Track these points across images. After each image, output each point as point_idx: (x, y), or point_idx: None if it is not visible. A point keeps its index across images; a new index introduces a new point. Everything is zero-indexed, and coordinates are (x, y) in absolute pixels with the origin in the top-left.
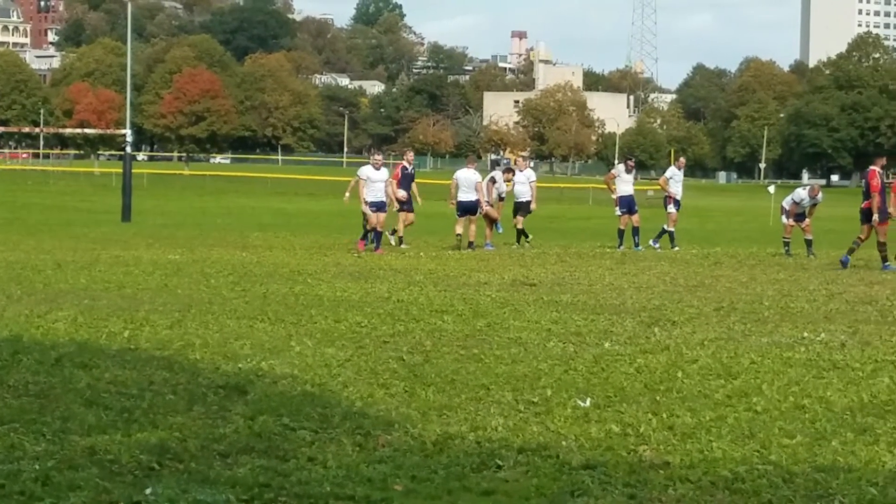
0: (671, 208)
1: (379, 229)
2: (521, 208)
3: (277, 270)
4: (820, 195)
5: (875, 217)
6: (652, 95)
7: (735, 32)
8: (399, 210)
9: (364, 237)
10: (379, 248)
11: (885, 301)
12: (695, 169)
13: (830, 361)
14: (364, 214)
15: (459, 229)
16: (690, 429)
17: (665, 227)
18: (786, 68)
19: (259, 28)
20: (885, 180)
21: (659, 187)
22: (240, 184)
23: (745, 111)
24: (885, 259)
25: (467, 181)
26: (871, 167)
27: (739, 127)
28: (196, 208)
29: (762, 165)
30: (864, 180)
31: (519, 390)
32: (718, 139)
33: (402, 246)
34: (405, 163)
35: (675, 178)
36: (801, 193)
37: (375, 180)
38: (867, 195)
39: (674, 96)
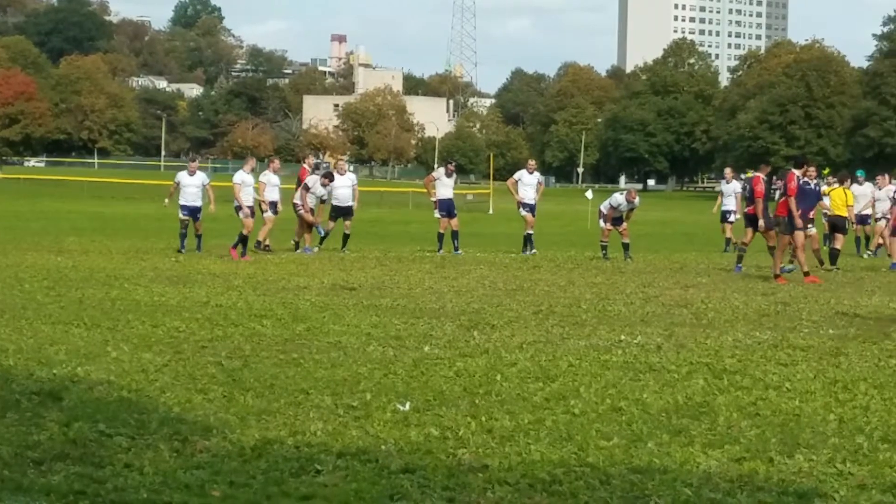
0: (523, 212)
1: (245, 233)
2: (343, 213)
3: (93, 275)
4: (637, 200)
5: (761, 223)
6: (471, 100)
7: (554, 38)
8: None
9: (235, 245)
10: (246, 254)
11: (700, 304)
12: (513, 173)
13: (647, 364)
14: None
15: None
16: (509, 432)
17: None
18: (603, 73)
19: (75, 30)
20: (772, 187)
21: (480, 191)
22: (55, 187)
23: (564, 116)
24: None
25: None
26: (756, 174)
27: (558, 131)
28: (9, 212)
29: (580, 170)
30: (748, 186)
31: (338, 394)
32: (537, 144)
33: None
34: (306, 166)
35: (523, 181)
36: (619, 198)
37: (188, 185)
38: (751, 201)
39: (493, 101)
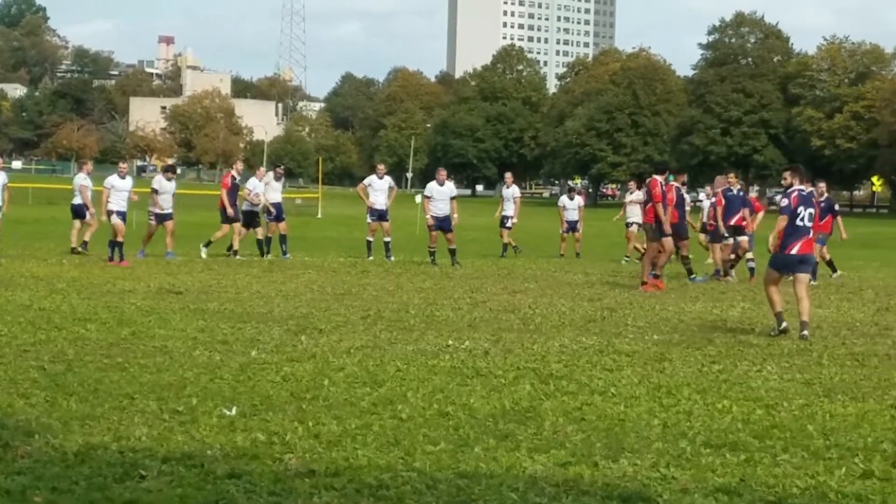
0: (370, 219)
1: (120, 239)
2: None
3: None
4: None
5: (666, 229)
6: (301, 104)
7: (383, 42)
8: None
9: (112, 250)
10: (123, 259)
11: (527, 309)
12: (343, 177)
13: (474, 369)
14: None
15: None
16: (336, 437)
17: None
18: (433, 79)
19: None
20: (684, 195)
21: (308, 195)
22: None
23: (393, 121)
24: (690, 272)
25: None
26: (672, 183)
27: (387, 136)
28: None
29: (409, 175)
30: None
31: (164, 399)
32: (366, 148)
33: (237, 257)
34: (234, 172)
35: (373, 186)
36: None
37: (121, 189)
38: (679, 207)
39: (323, 105)
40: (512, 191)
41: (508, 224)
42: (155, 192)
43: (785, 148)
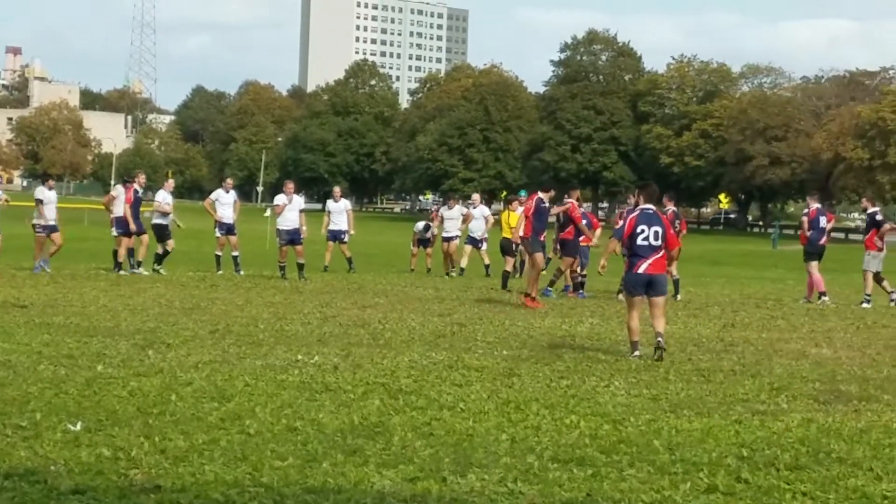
0: (219, 233)
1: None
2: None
3: None
4: None
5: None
6: (150, 116)
7: (234, 55)
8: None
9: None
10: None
11: (377, 324)
12: (192, 191)
13: (323, 384)
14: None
15: None
16: (183, 452)
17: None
18: (285, 93)
19: None
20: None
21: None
22: None
23: (244, 134)
24: (578, 287)
25: None
26: (568, 199)
27: (238, 150)
28: None
29: (260, 189)
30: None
31: (6, 414)
32: (217, 161)
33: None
34: (136, 186)
35: (220, 201)
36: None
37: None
38: (564, 227)
39: (173, 117)
40: (342, 204)
41: (346, 238)
42: (40, 202)
43: (634, 165)
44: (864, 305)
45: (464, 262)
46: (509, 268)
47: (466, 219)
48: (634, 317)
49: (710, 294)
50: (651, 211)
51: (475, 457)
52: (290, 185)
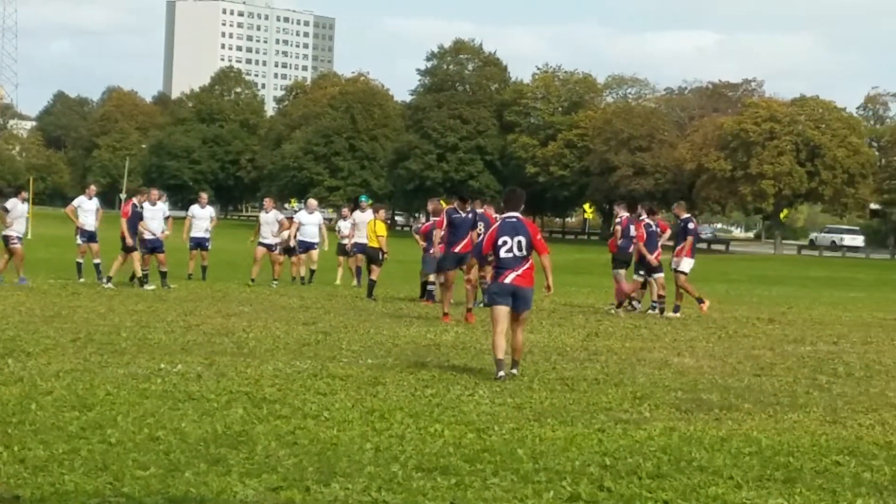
0: (80, 240)
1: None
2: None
3: None
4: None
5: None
6: (11, 122)
7: (97, 61)
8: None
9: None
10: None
11: (242, 333)
12: (54, 198)
13: (186, 393)
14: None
15: None
16: (42, 462)
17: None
18: (149, 99)
19: None
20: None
21: None
22: None
23: (107, 141)
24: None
25: None
26: (486, 207)
27: (101, 156)
28: None
29: (123, 196)
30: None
31: None
32: (79, 168)
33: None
34: (135, 200)
35: (83, 207)
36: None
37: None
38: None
39: (34, 123)
40: (208, 211)
41: (208, 246)
42: (5, 210)
43: (500, 174)
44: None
45: (302, 271)
46: (375, 277)
47: (282, 226)
48: (499, 332)
49: (573, 304)
50: (514, 219)
51: (339, 466)
52: (155, 193)
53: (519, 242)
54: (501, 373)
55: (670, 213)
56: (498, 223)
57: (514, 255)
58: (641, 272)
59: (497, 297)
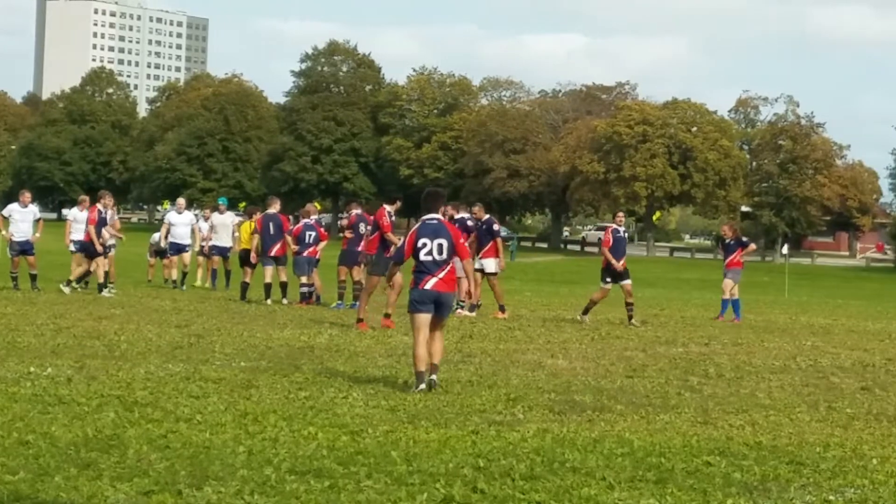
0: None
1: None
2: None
3: None
4: None
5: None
6: None
7: None
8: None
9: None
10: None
11: (113, 336)
12: None
13: (56, 396)
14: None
15: None
16: None
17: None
18: (19, 100)
19: None
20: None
21: None
22: None
23: None
24: (355, 298)
25: None
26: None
27: None
28: None
29: None
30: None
31: None
32: None
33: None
34: (100, 206)
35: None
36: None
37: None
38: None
39: None
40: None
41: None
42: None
43: (375, 176)
44: (467, 313)
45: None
46: (248, 279)
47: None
48: (421, 342)
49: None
50: (435, 222)
51: (212, 469)
52: (27, 195)
53: (440, 245)
54: (422, 385)
55: (542, 217)
56: (417, 225)
57: (434, 259)
58: (608, 279)
59: (419, 304)
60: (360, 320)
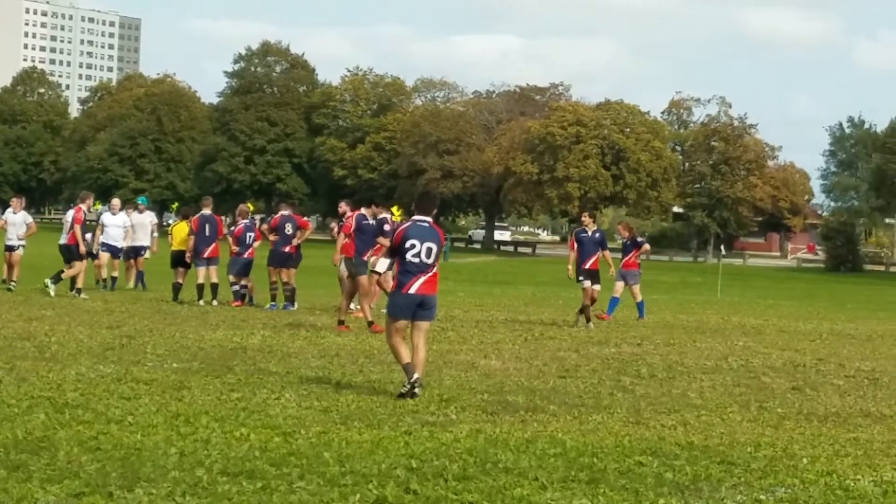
0: None
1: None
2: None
3: None
4: None
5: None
6: None
7: None
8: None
9: None
10: None
11: (44, 337)
12: None
13: None
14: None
15: None
16: None
17: None
18: None
19: None
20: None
21: None
22: None
23: None
24: (287, 299)
25: None
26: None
27: None
28: None
29: None
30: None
31: None
32: None
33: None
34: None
35: None
36: None
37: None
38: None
39: None
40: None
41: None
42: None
43: (308, 177)
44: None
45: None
46: (181, 280)
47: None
48: (399, 341)
49: (380, 304)
50: (427, 224)
51: (143, 471)
52: None
53: (428, 249)
54: (416, 374)
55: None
56: (407, 224)
57: (422, 261)
58: (581, 278)
59: (399, 310)
60: (340, 322)
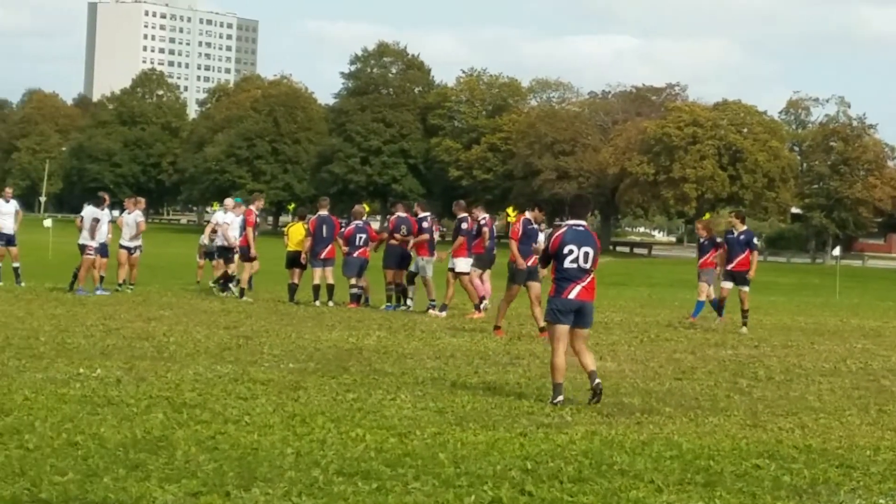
0: None
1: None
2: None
3: None
4: None
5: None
6: None
7: (15, 63)
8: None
9: None
10: None
11: (162, 337)
12: None
13: (105, 397)
14: None
15: None
16: None
17: None
18: (70, 102)
19: None
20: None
21: None
22: None
23: (27, 143)
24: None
25: None
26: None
27: (20, 159)
28: None
29: (43, 199)
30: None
31: None
32: None
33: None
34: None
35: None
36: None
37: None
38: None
39: None
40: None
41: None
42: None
43: (423, 178)
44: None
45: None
46: (296, 280)
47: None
48: (560, 353)
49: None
50: (582, 228)
51: (260, 471)
52: (9, 191)
53: (586, 254)
54: (560, 397)
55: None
56: (563, 230)
57: (580, 267)
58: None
59: (560, 314)
60: (497, 327)
